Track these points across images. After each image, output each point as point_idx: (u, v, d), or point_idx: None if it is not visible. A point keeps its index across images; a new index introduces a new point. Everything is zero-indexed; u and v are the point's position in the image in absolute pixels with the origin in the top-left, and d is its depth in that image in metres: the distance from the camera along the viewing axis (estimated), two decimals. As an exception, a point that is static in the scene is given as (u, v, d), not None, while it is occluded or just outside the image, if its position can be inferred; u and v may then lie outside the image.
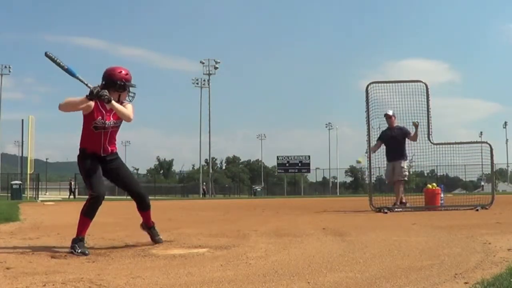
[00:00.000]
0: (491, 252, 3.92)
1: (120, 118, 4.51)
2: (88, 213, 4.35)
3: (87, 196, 4.44)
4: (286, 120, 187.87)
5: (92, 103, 4.37)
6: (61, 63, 4.40)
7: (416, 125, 10.06)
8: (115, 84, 4.42)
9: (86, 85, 4.33)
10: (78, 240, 4.24)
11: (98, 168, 4.47)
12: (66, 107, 4.41)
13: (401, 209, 9.84)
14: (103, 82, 4.44)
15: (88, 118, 4.44)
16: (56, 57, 4.40)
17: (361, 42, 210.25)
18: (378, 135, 10.38)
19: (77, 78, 4.37)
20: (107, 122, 4.46)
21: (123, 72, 4.50)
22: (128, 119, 4.50)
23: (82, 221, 4.34)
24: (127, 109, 4.49)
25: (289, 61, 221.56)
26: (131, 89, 4.54)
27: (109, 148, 4.54)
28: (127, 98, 4.56)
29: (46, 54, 4.39)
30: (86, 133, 4.49)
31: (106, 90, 4.30)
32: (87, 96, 4.27)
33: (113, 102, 4.32)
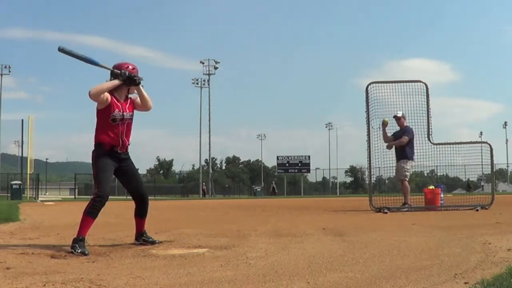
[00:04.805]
0: (491, 252, 3.92)
1: (134, 110, 4.64)
2: (91, 213, 4.36)
3: (88, 196, 4.46)
4: (286, 120, 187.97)
5: (109, 97, 4.43)
6: (78, 55, 4.49)
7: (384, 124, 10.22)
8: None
9: (113, 70, 4.47)
10: (79, 239, 4.24)
11: (110, 168, 4.51)
12: (99, 93, 4.39)
13: (406, 209, 9.83)
14: (112, 78, 4.52)
15: (105, 112, 4.47)
16: (70, 50, 4.49)
17: (363, 42, 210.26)
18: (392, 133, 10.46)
19: (100, 65, 4.49)
20: (124, 113, 4.54)
21: (130, 67, 4.59)
22: (150, 106, 4.68)
23: (84, 220, 4.35)
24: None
25: (290, 61, 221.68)
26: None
27: (126, 141, 4.60)
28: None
29: (59, 49, 4.46)
30: (103, 127, 4.51)
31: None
32: (119, 79, 4.42)
33: (141, 87, 4.52)
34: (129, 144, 4.67)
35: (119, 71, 4.44)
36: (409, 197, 10.28)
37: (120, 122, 4.52)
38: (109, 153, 4.51)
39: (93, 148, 4.57)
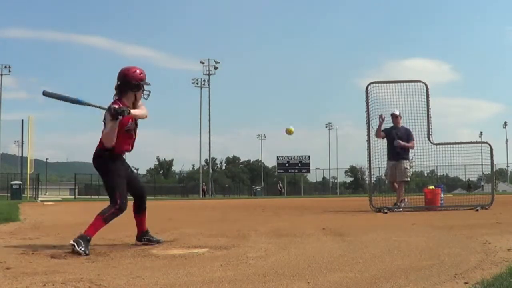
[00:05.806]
0: (491, 252, 3.92)
1: None
2: (106, 219, 4.39)
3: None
4: (286, 120, 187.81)
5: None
6: (63, 96, 4.43)
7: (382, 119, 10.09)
8: (130, 84, 4.47)
9: (100, 107, 4.37)
10: (86, 239, 4.21)
11: (124, 178, 4.53)
12: (111, 140, 4.37)
13: (401, 209, 9.83)
14: (118, 82, 4.49)
15: (120, 124, 4.41)
16: (54, 92, 4.43)
17: (363, 42, 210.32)
18: (383, 128, 10.36)
19: (88, 104, 4.41)
20: (136, 122, 4.61)
21: (138, 71, 4.54)
22: (146, 118, 4.69)
23: (98, 224, 4.36)
24: (142, 109, 4.62)
25: (290, 61, 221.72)
26: (145, 87, 4.58)
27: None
28: (142, 96, 4.61)
29: (44, 93, 4.40)
30: (119, 137, 4.44)
31: (122, 106, 4.33)
32: (111, 119, 4.28)
33: (131, 111, 4.41)
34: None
35: (106, 108, 4.28)
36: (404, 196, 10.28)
37: (133, 132, 4.60)
38: (119, 158, 4.55)
39: (99, 152, 4.51)
